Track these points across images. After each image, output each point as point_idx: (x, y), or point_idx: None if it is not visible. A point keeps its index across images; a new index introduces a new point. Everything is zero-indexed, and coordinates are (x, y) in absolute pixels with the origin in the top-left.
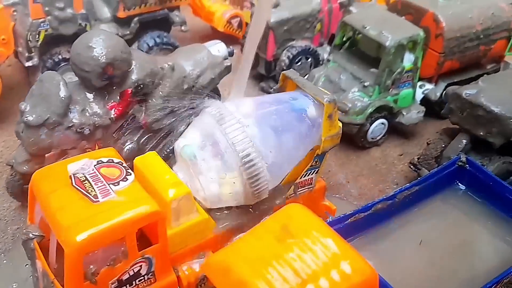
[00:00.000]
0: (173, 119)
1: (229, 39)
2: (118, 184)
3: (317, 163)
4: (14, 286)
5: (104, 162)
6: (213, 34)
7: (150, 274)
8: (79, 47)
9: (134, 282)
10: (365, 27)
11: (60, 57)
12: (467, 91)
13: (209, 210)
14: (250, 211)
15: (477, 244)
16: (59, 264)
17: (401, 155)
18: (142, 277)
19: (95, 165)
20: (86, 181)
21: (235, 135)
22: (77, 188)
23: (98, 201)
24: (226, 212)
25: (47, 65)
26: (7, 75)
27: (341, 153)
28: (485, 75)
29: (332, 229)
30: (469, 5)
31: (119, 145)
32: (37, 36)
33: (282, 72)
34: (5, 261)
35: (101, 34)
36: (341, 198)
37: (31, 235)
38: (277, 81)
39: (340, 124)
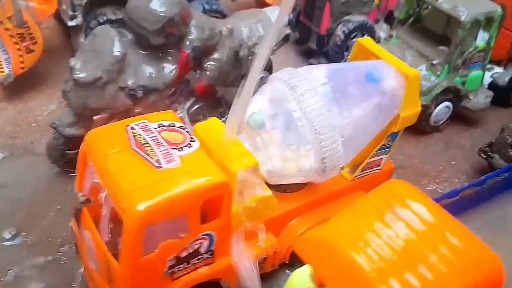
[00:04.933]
0: (227, 88)
1: None
2: (182, 150)
3: (390, 142)
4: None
5: (165, 126)
6: (259, 6)
7: (210, 252)
8: (137, 0)
9: (192, 260)
10: (437, 0)
11: (105, 18)
12: None
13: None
14: (310, 192)
15: None
16: (112, 235)
17: (465, 142)
18: (201, 256)
19: (155, 128)
20: (147, 145)
21: (311, 104)
22: (137, 152)
23: (161, 167)
24: (286, 191)
25: (90, 26)
26: (45, 38)
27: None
28: None
29: (441, 208)
30: None
31: None
32: None
33: (357, 40)
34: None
35: None
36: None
37: (80, 201)
38: (329, 57)
39: (420, 102)
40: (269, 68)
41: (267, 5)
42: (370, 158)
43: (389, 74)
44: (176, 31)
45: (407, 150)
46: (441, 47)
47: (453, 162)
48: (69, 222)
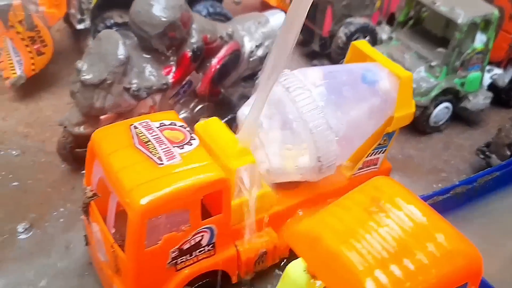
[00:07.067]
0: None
1: None
2: (183, 148)
3: (386, 141)
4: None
5: (166, 125)
6: (264, 9)
7: (211, 245)
8: (140, 4)
9: (194, 252)
10: (435, 3)
11: (112, 21)
12: None
13: (270, 184)
14: (309, 189)
15: None
16: (118, 227)
17: (465, 142)
18: (203, 248)
19: (157, 127)
20: (150, 143)
21: (305, 104)
22: (140, 149)
23: (163, 163)
24: (287, 187)
25: (98, 29)
26: (56, 40)
27: (400, 136)
28: None
29: (425, 203)
30: None
31: None
32: None
33: (353, 42)
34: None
35: None
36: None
37: (88, 196)
38: (332, 59)
39: (414, 102)
40: None
41: (271, 7)
42: (366, 157)
43: (383, 76)
44: (177, 34)
45: (407, 150)
46: (440, 49)
47: (452, 162)
48: (78, 216)
